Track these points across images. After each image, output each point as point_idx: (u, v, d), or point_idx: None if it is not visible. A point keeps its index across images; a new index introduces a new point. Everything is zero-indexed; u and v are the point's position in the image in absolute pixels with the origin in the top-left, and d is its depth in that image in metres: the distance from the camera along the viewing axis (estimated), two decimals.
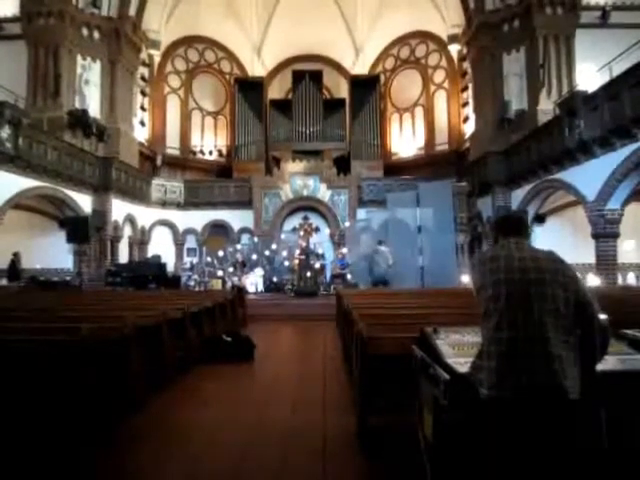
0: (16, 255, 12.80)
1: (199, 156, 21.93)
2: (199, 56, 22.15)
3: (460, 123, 19.78)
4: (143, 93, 19.42)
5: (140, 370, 4.41)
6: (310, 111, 20.61)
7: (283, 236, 16.75)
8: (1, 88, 12.75)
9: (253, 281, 14.82)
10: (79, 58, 15.89)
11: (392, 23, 20.59)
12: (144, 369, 4.53)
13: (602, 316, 1.87)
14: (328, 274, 15.20)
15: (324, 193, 17.79)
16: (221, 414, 4.14)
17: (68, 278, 13.78)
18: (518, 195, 14.12)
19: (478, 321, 2.03)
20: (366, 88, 20.67)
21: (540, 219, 14.08)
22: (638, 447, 2.12)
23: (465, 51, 18.20)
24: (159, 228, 18.55)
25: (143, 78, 19.44)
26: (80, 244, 13.71)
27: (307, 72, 20.96)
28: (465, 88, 18.88)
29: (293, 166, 19.42)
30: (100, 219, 14.50)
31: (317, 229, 15.27)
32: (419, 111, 21.82)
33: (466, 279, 12.06)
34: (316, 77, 20.99)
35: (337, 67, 22.68)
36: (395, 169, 20.87)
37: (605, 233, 10.50)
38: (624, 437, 2.12)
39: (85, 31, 16.04)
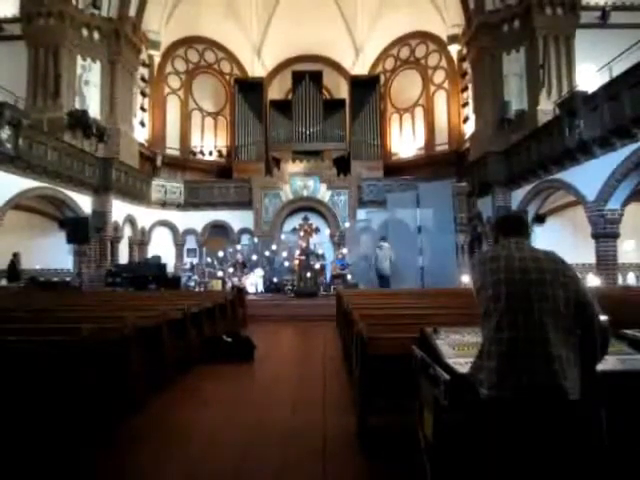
0: (16, 256, 12.81)
1: (199, 157, 21.94)
2: (199, 57, 22.16)
3: (460, 123, 19.78)
4: (143, 94, 19.43)
5: (140, 370, 4.42)
6: (310, 111, 20.61)
7: (283, 237, 16.76)
8: (1, 89, 12.76)
9: (253, 282, 14.83)
10: (79, 59, 15.90)
11: (392, 23, 20.59)
12: (144, 369, 4.53)
13: (602, 317, 1.87)
14: (328, 274, 15.21)
15: (324, 193, 17.79)
16: (221, 414, 4.14)
17: (68, 279, 13.80)
18: (518, 195, 14.12)
19: (478, 321, 2.03)
20: (366, 88, 20.67)
21: (540, 219, 14.08)
22: (638, 447, 2.12)
23: (465, 51, 18.20)
24: (159, 229, 18.56)
25: (143, 79, 19.45)
26: (80, 245, 13.71)
27: (307, 72, 20.98)
28: (465, 88, 18.88)
29: (293, 167, 19.43)
30: (100, 220, 14.50)
31: (317, 230, 15.26)
32: (419, 111, 21.83)
33: (466, 279, 12.07)
34: (316, 77, 21.00)
35: (337, 67, 22.68)
36: (395, 169, 20.87)
37: (605, 233, 10.50)
38: (624, 437, 2.12)
39: (85, 32, 16.05)
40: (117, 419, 3.89)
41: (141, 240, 17.66)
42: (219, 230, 18.75)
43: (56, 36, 15.13)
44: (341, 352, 6.66)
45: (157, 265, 15.25)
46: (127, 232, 16.73)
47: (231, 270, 15.27)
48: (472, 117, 17.78)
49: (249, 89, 21.06)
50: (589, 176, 10.63)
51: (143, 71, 19.45)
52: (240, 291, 11.11)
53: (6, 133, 10.77)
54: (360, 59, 21.99)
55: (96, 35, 16.29)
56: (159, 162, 20.22)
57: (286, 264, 15.22)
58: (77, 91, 15.79)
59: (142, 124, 19.33)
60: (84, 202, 14.34)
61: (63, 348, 3.55)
